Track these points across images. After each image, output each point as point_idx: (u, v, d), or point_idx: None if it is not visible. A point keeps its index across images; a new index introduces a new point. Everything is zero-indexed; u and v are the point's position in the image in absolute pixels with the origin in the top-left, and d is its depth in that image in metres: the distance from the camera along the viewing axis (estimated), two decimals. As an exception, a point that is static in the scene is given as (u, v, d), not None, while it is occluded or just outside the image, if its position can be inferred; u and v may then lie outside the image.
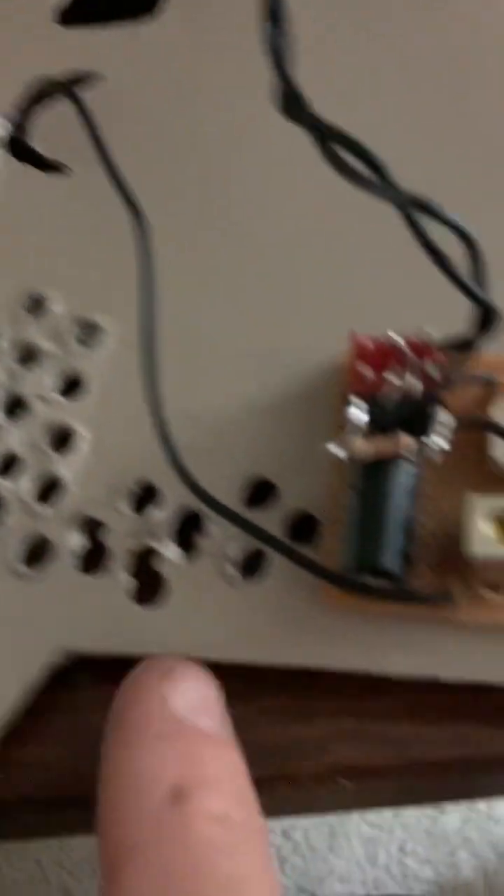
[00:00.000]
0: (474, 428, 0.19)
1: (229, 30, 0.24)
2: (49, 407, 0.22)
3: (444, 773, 0.20)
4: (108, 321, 0.23)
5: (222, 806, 0.14)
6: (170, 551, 0.20)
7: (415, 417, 0.18)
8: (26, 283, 0.24)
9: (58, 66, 0.26)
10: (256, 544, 0.20)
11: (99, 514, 0.21)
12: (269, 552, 0.20)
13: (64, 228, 0.25)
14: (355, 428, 0.18)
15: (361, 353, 0.19)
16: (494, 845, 0.69)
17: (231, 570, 0.20)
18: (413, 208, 0.16)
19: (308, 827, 0.70)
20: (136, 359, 0.21)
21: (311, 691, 0.20)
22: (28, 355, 0.23)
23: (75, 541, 0.21)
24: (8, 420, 0.22)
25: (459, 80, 0.26)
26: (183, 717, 0.15)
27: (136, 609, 0.20)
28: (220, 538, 0.20)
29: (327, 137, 0.16)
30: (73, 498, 0.21)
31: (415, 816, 0.69)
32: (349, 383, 0.20)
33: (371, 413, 0.18)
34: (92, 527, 0.21)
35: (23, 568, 0.21)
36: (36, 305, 0.24)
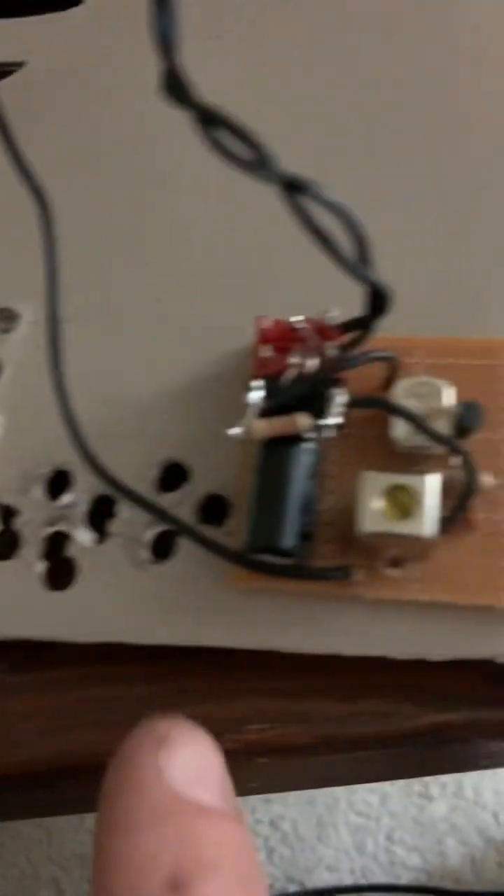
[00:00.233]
0: (372, 407, 0.19)
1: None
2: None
3: (362, 750, 0.20)
4: (23, 306, 0.23)
5: (224, 891, 0.13)
6: (82, 536, 0.20)
7: (312, 398, 0.19)
8: None
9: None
10: (167, 527, 0.20)
11: (12, 501, 0.21)
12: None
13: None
14: (254, 410, 0.18)
15: (264, 336, 0.20)
16: (481, 832, 0.69)
17: (142, 554, 0.20)
18: (293, 190, 0.16)
19: (296, 817, 0.70)
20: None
21: (229, 671, 0.20)
22: None
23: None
24: None
25: (349, 65, 0.26)
26: (181, 792, 0.14)
27: (49, 594, 0.20)
28: (132, 522, 0.20)
29: (208, 120, 0.16)
30: (-13, 484, 0.21)
31: (402, 804, 0.69)
32: (253, 366, 0.20)
33: (270, 394, 0.19)
34: (5, 513, 0.21)
35: None
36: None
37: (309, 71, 0.27)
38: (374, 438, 0.20)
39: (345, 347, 0.19)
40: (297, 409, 0.18)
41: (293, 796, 0.69)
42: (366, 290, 0.18)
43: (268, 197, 0.21)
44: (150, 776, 0.14)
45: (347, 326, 0.19)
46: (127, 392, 0.22)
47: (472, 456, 0.18)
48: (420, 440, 0.19)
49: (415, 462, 0.19)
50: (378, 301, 0.18)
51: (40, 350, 0.21)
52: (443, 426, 0.19)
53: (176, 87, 0.17)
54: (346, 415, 0.19)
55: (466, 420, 0.19)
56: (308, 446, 0.19)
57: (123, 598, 0.20)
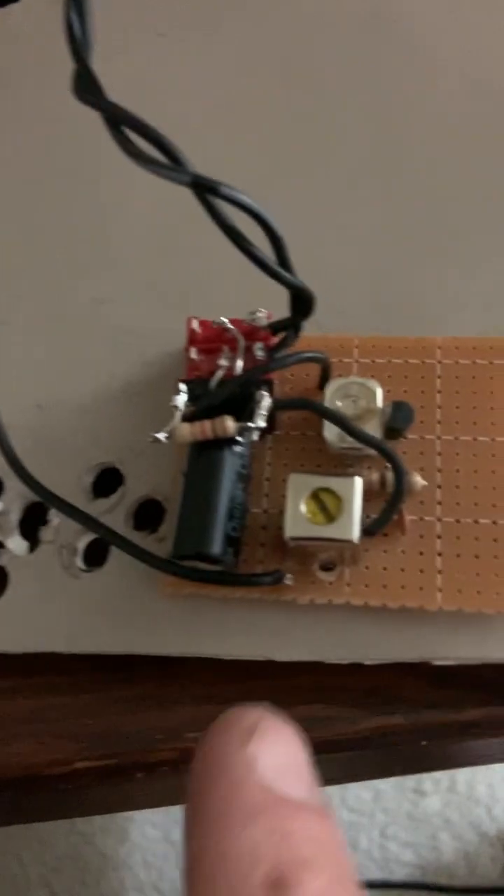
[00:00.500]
0: (298, 408, 0.19)
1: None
2: None
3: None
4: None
5: (327, 892, 0.12)
6: (13, 544, 0.20)
7: (241, 400, 0.18)
8: None
9: None
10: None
11: None
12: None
13: None
14: (178, 413, 0.18)
15: (193, 338, 0.19)
16: (475, 826, 0.69)
17: (74, 562, 0.20)
18: (202, 190, 0.16)
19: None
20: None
21: (165, 679, 0.20)
22: None
23: None
24: None
25: (289, 63, 0.26)
26: (272, 786, 0.13)
27: (-20, 604, 0.20)
28: (64, 529, 0.20)
29: (117, 121, 0.16)
30: None
31: (396, 800, 0.69)
32: (184, 369, 0.20)
33: (198, 397, 0.18)
34: None
35: None
36: None
37: (251, 69, 0.26)
38: (310, 440, 0.19)
39: (273, 349, 0.19)
40: (225, 411, 0.18)
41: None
42: (290, 292, 0.17)
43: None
44: (240, 769, 0.13)
45: (276, 328, 0.19)
46: (60, 396, 0.21)
47: (401, 457, 0.18)
48: (353, 441, 0.19)
49: (350, 464, 0.19)
50: (300, 301, 0.18)
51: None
52: (374, 426, 0.19)
53: (85, 87, 0.17)
54: (275, 417, 0.19)
55: (396, 420, 0.18)
56: (237, 449, 0.18)
57: (56, 607, 0.20)
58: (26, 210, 0.24)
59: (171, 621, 0.19)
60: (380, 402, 0.19)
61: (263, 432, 0.19)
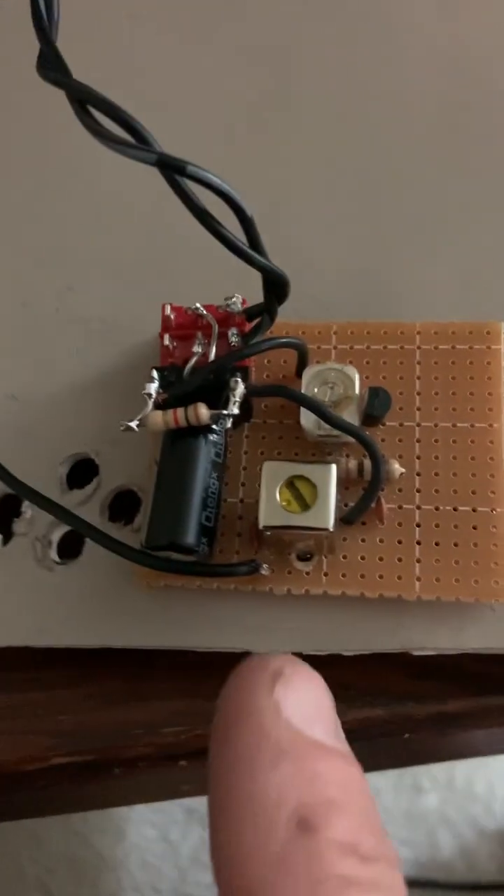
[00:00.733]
0: (274, 395, 0.19)
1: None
2: None
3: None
4: None
5: (353, 834, 0.12)
6: (-13, 537, 0.20)
7: (214, 388, 0.18)
8: None
9: None
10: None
11: None
12: (87, 533, 0.19)
13: None
14: (152, 401, 0.18)
15: (166, 324, 0.19)
16: (473, 823, 0.69)
17: (48, 554, 0.20)
18: (169, 169, 0.15)
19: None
20: None
21: (141, 673, 0.19)
22: None
23: None
24: None
25: (264, 46, 0.25)
26: (299, 729, 0.13)
27: (-46, 598, 0.19)
28: (38, 521, 0.20)
29: (82, 100, 0.16)
30: None
31: (393, 797, 0.69)
32: (159, 356, 0.19)
33: (170, 385, 0.18)
34: None
35: None
36: None
37: (223, 50, 0.26)
38: (287, 428, 0.19)
39: (247, 335, 0.18)
40: (200, 399, 0.18)
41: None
42: (262, 275, 0.17)
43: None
44: (267, 712, 0.13)
45: (251, 313, 0.19)
46: (34, 386, 0.21)
47: (379, 445, 0.18)
48: (330, 429, 0.18)
49: (329, 451, 0.19)
50: (273, 285, 0.17)
51: None
52: (351, 413, 0.18)
53: (50, 66, 0.17)
54: (251, 404, 0.19)
55: (373, 407, 0.18)
56: (211, 437, 0.18)
57: (29, 600, 0.19)
58: (5, 197, 0.23)
59: (146, 614, 0.19)
60: (357, 388, 0.18)
61: (239, 420, 0.19)
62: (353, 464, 0.18)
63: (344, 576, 0.18)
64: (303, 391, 0.18)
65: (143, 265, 0.22)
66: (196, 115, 0.25)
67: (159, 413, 0.18)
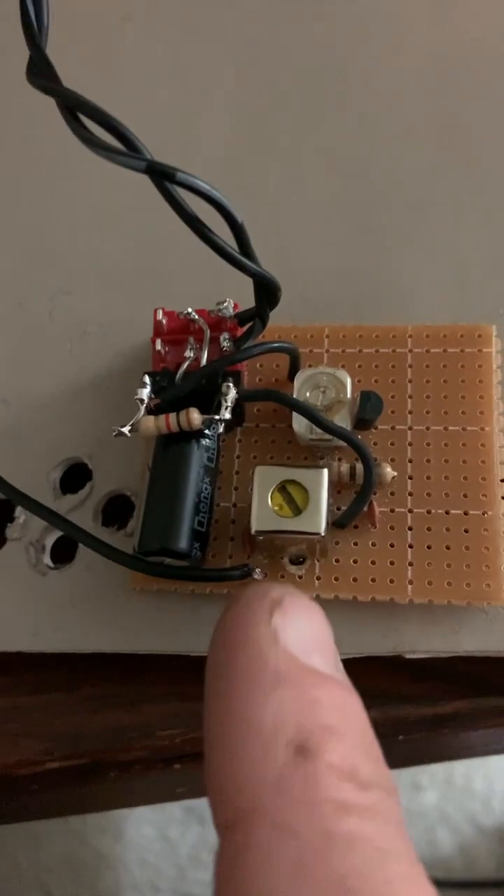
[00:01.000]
0: (265, 400, 0.19)
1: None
2: None
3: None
4: None
5: (350, 760, 0.12)
6: (-20, 542, 0.20)
7: (206, 392, 0.18)
8: None
9: None
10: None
11: None
12: (80, 538, 0.19)
13: None
14: (144, 406, 0.18)
15: (158, 329, 0.19)
16: (472, 820, 0.69)
17: (42, 559, 0.20)
18: (159, 176, 0.15)
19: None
20: None
21: (135, 677, 0.19)
22: None
23: None
24: None
25: (257, 47, 0.25)
26: (298, 656, 0.13)
27: None
28: (32, 526, 0.20)
29: (72, 106, 0.16)
30: None
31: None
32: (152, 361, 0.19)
33: (162, 390, 0.18)
34: None
35: None
36: None
37: (215, 54, 0.26)
38: (279, 433, 0.19)
39: (239, 339, 0.18)
40: (192, 404, 0.18)
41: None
42: (253, 280, 0.17)
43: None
44: (266, 639, 0.13)
45: (243, 318, 0.19)
46: (26, 391, 0.21)
47: (370, 448, 0.18)
48: (322, 433, 0.18)
49: (321, 455, 0.19)
50: (264, 290, 0.17)
51: None
52: (343, 417, 0.18)
53: (39, 73, 0.17)
54: (244, 409, 0.19)
55: (365, 411, 0.18)
56: (203, 442, 0.18)
57: (23, 605, 0.19)
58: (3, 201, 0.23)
59: (140, 618, 0.19)
60: (349, 392, 0.18)
61: (232, 425, 0.19)
62: (344, 468, 0.18)
63: (336, 579, 0.18)
64: (295, 395, 0.18)
65: (136, 270, 0.22)
66: (187, 118, 0.25)
67: (151, 418, 0.18)
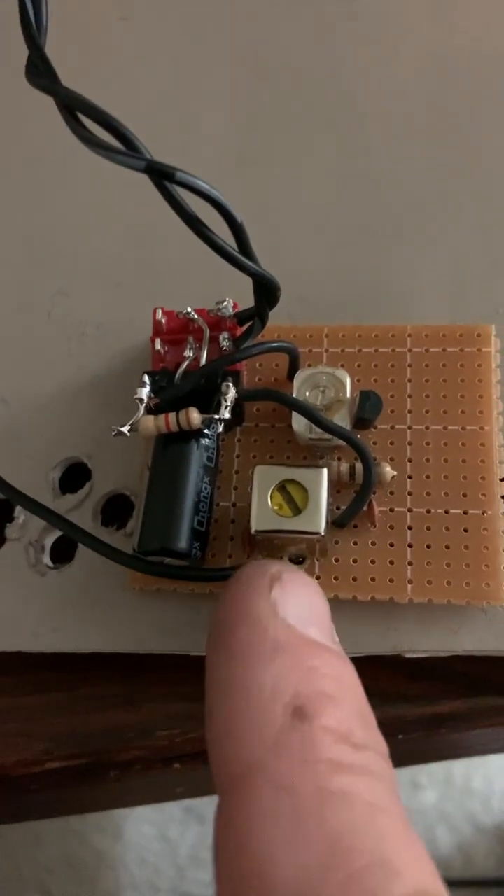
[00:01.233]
0: (264, 399, 0.19)
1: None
2: None
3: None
4: None
5: (346, 724, 0.13)
6: (-21, 542, 0.20)
7: (206, 392, 0.18)
8: None
9: None
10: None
11: None
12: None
13: None
14: (143, 406, 0.18)
15: (158, 329, 0.19)
16: (471, 819, 0.69)
17: (41, 559, 0.20)
18: (158, 176, 0.15)
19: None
20: None
21: (134, 676, 0.19)
22: None
23: None
24: None
25: (254, 49, 0.25)
26: (295, 627, 0.14)
27: None
28: (31, 526, 0.20)
29: (71, 106, 0.16)
30: None
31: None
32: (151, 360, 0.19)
33: (162, 389, 0.18)
34: None
35: None
36: None
37: (213, 54, 0.26)
38: (279, 432, 0.19)
39: (239, 339, 0.18)
40: (191, 403, 0.18)
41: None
42: (253, 280, 0.17)
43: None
44: (265, 611, 0.14)
45: (242, 318, 0.19)
46: (26, 391, 0.21)
47: (369, 448, 0.18)
48: (322, 432, 0.18)
49: (320, 455, 0.19)
50: (264, 290, 0.17)
51: None
52: (343, 417, 0.18)
53: (39, 72, 0.17)
54: (243, 409, 0.19)
55: (364, 410, 0.18)
56: (203, 442, 0.18)
57: (22, 605, 0.19)
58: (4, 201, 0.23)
59: (139, 618, 0.19)
60: (349, 391, 0.18)
61: (232, 424, 0.19)
62: (344, 467, 0.18)
63: (336, 579, 0.18)
64: (294, 395, 0.18)
65: (135, 270, 0.22)
66: (186, 118, 0.25)
67: (151, 418, 0.18)
